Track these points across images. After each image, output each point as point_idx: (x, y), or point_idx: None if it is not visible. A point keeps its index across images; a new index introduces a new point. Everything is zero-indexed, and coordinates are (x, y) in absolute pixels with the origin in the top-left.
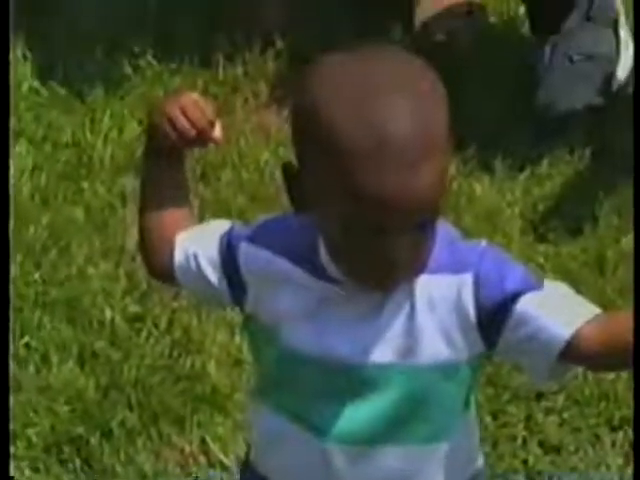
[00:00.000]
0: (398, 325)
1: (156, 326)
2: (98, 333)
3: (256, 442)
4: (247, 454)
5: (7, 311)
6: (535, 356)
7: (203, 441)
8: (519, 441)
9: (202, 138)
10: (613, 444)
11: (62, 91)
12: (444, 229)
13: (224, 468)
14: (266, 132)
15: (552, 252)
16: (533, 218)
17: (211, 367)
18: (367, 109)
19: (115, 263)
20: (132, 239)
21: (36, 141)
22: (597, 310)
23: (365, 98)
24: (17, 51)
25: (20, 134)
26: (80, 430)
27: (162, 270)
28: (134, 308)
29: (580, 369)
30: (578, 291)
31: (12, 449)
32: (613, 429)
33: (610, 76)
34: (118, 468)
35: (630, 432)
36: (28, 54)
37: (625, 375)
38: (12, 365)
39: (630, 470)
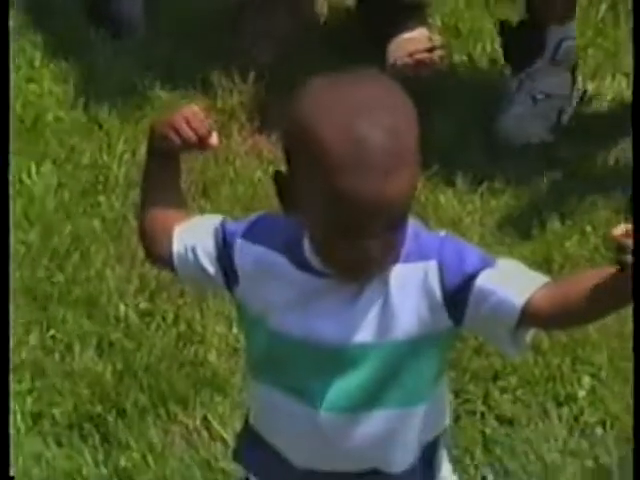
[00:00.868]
0: (375, 309)
1: (164, 320)
2: (114, 326)
3: (255, 413)
4: (246, 422)
5: (7, 311)
6: (497, 326)
7: (205, 418)
8: (478, 416)
9: (201, 144)
10: (559, 418)
11: (83, 119)
12: (410, 223)
13: (224, 442)
14: (259, 153)
15: (506, 254)
16: (490, 225)
17: (212, 355)
18: (348, 126)
19: (128, 266)
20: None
21: (60, 162)
22: (546, 279)
23: (347, 116)
24: (44, 85)
25: (46, 156)
26: (98, 409)
27: (160, 257)
28: (145, 305)
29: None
30: None
31: (39, 427)
32: (559, 404)
33: (562, 112)
34: (131, 442)
35: (574, 407)
36: (54, 88)
37: (569, 356)
38: (39, 354)
39: (573, 441)
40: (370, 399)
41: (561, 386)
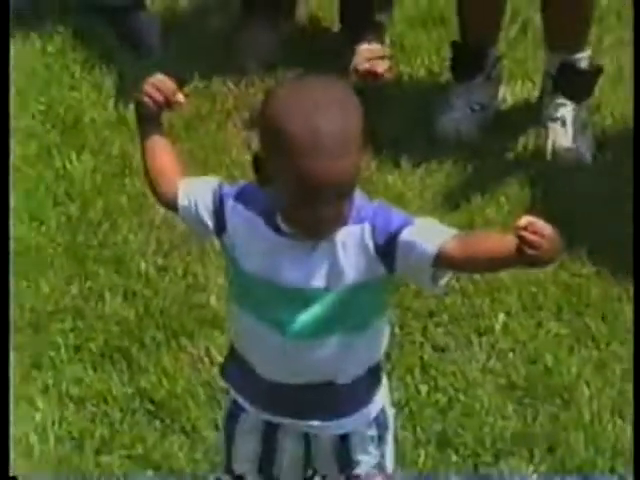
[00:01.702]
0: (325, 261)
1: (175, 274)
2: (136, 279)
3: (234, 333)
4: (231, 347)
5: (7, 308)
6: (419, 271)
7: (207, 349)
8: (417, 345)
9: (169, 103)
10: (480, 345)
11: (113, 118)
12: (356, 195)
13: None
14: (249, 144)
15: (439, 221)
16: (427, 199)
17: (213, 300)
18: (306, 120)
19: (147, 233)
20: (159, 216)
21: (95, 152)
22: (455, 232)
23: (306, 112)
24: (82, 92)
25: (84, 147)
26: (124, 343)
27: (166, 203)
28: (160, 262)
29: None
30: None
31: (79, 357)
32: (480, 335)
33: (488, 115)
34: (150, 368)
35: (492, 337)
36: (90, 94)
37: (488, 297)
38: (79, 301)
39: (490, 363)
40: (325, 329)
41: (481, 321)
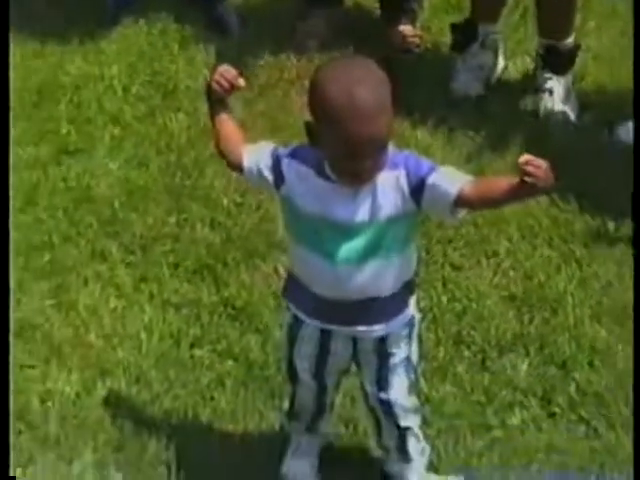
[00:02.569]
0: (367, 201)
1: (250, 208)
2: (220, 212)
3: (293, 262)
4: (289, 272)
5: (7, 305)
6: (441, 207)
7: (275, 267)
8: (439, 265)
9: (232, 87)
10: (488, 266)
11: (202, 86)
12: (390, 147)
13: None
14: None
15: (457, 168)
16: (448, 150)
17: (280, 228)
18: (346, 92)
19: (228, 176)
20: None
21: (188, 113)
22: (471, 178)
23: (345, 85)
24: (179, 67)
25: (180, 110)
26: (211, 262)
27: (234, 166)
28: (239, 199)
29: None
30: None
31: (177, 273)
32: (488, 257)
33: (490, 77)
34: (230, 282)
35: (497, 259)
36: (186, 69)
37: (494, 227)
38: (175, 228)
39: (496, 279)
40: (368, 255)
41: (489, 246)
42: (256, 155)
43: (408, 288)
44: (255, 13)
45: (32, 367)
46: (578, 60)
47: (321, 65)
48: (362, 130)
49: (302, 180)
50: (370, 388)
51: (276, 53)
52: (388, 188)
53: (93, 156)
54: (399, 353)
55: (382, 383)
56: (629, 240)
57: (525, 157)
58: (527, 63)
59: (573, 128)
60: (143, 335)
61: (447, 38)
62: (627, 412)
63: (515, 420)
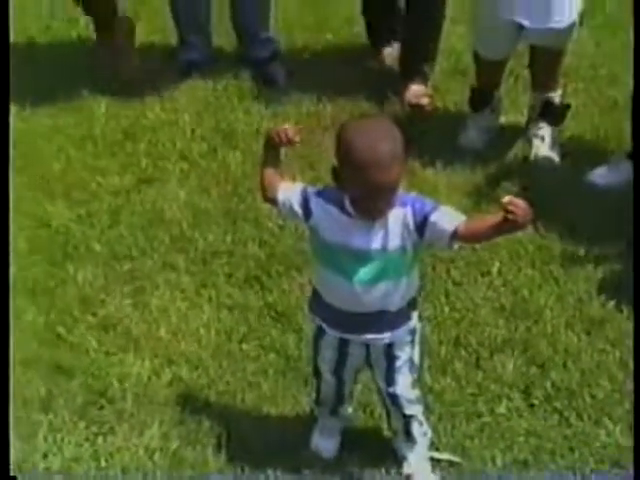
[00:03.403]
0: (380, 232)
1: (290, 230)
2: (266, 233)
3: (316, 281)
4: (314, 288)
5: (7, 309)
6: (439, 240)
7: (310, 279)
8: (443, 280)
9: (289, 142)
10: (482, 282)
11: (258, 129)
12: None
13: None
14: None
15: (455, 206)
16: (451, 189)
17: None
18: (368, 145)
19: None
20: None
21: (244, 152)
22: (464, 217)
23: (367, 140)
24: (238, 114)
25: (237, 148)
26: (259, 273)
27: (270, 200)
28: (281, 223)
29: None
30: None
31: (231, 281)
32: (482, 275)
33: (493, 136)
34: (274, 289)
35: (490, 277)
36: (242, 117)
37: (489, 250)
38: (231, 246)
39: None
40: (378, 277)
41: (484, 266)
42: (289, 192)
43: (412, 304)
44: (300, 70)
45: (113, 354)
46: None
47: (348, 121)
48: (379, 177)
49: (327, 215)
50: (380, 384)
51: (316, 103)
52: (397, 223)
53: (166, 185)
54: (403, 356)
55: (390, 380)
56: (596, 262)
57: (508, 198)
58: (518, 118)
59: (556, 171)
60: (202, 331)
61: (453, 97)
62: (593, 404)
63: (501, 409)
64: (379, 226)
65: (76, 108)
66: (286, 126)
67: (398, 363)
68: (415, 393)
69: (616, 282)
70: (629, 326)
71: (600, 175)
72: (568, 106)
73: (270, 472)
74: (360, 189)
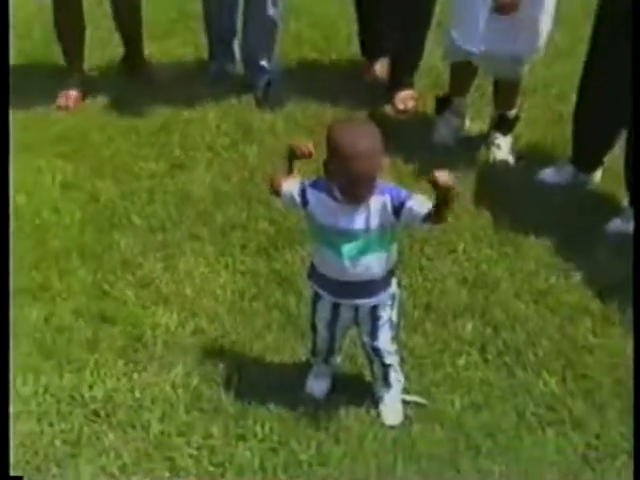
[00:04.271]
0: (363, 215)
1: (295, 212)
2: (276, 213)
3: (314, 255)
4: (311, 262)
5: (7, 309)
6: (413, 222)
7: (309, 252)
8: (417, 256)
9: (308, 155)
10: (450, 258)
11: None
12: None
13: (307, 273)
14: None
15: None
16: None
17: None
18: (352, 141)
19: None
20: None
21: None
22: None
23: (351, 137)
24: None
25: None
26: (267, 245)
27: (276, 193)
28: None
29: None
30: None
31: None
32: (450, 252)
33: (458, 134)
34: (280, 262)
35: (456, 254)
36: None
37: (456, 232)
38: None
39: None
40: (362, 251)
41: (451, 245)
42: (290, 186)
43: (391, 273)
44: (309, 79)
45: (147, 308)
46: (517, 126)
47: (335, 122)
48: (360, 167)
49: (319, 202)
50: (365, 339)
51: (319, 108)
52: (377, 207)
53: (193, 171)
54: (385, 316)
55: (373, 336)
56: (542, 244)
57: (433, 174)
58: (482, 126)
59: (512, 171)
60: (219, 291)
61: (431, 105)
62: (535, 360)
63: (461, 362)
64: (362, 209)
65: (124, 105)
66: (304, 143)
67: (380, 322)
68: (393, 347)
69: (557, 261)
70: (567, 297)
71: (548, 175)
72: (518, 118)
73: (272, 407)
74: (345, 178)
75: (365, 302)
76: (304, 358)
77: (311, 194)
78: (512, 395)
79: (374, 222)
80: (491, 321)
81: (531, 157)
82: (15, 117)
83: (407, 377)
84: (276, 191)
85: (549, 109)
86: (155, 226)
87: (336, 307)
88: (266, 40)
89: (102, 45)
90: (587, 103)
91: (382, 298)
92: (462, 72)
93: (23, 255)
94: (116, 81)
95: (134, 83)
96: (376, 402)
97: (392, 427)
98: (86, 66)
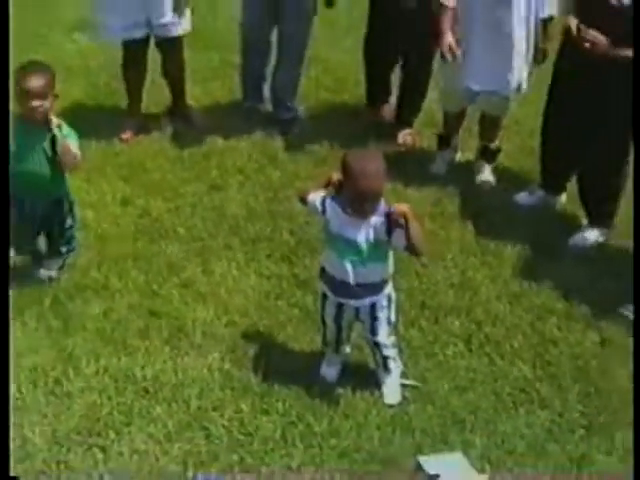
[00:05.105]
0: (366, 228)
1: (314, 224)
2: (296, 225)
3: (324, 258)
4: (322, 265)
5: (7, 309)
6: (399, 247)
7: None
8: (414, 263)
9: (336, 183)
10: (437, 262)
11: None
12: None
13: (318, 275)
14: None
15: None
16: (421, 205)
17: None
18: (361, 164)
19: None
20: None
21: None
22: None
23: (361, 162)
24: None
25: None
26: (288, 253)
27: (303, 201)
28: (308, 219)
29: None
30: None
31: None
32: (442, 261)
33: (452, 164)
34: (299, 266)
35: (443, 261)
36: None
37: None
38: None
39: None
40: (366, 259)
41: (443, 255)
42: (315, 196)
43: (387, 279)
44: (323, 119)
45: (189, 304)
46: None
47: (349, 151)
48: (366, 185)
49: (334, 212)
50: (367, 334)
51: (329, 146)
52: (376, 225)
53: (228, 191)
54: (382, 316)
55: (373, 332)
56: (517, 254)
57: (396, 206)
58: (468, 156)
59: (492, 194)
60: (249, 291)
61: (427, 140)
62: (511, 351)
63: (450, 352)
64: (365, 224)
65: (171, 139)
66: (335, 173)
67: (379, 320)
68: (391, 340)
69: (530, 268)
70: (537, 299)
71: (522, 197)
72: (499, 150)
73: (292, 387)
74: (354, 194)
75: (366, 302)
76: (319, 347)
77: (329, 205)
78: (492, 380)
79: (373, 236)
80: (475, 318)
81: (508, 182)
82: (87, 147)
83: (405, 364)
84: (304, 199)
85: (523, 143)
86: (196, 236)
87: (340, 305)
88: (292, 83)
89: (155, 91)
90: (550, 140)
91: (380, 298)
92: (455, 116)
93: (88, 259)
94: (165, 120)
95: (179, 124)
96: (379, 385)
97: (392, 406)
98: (143, 107)
